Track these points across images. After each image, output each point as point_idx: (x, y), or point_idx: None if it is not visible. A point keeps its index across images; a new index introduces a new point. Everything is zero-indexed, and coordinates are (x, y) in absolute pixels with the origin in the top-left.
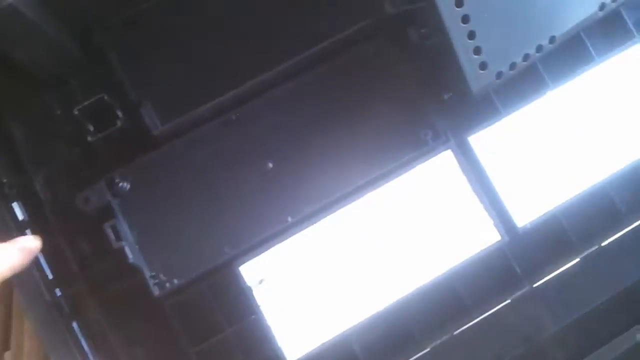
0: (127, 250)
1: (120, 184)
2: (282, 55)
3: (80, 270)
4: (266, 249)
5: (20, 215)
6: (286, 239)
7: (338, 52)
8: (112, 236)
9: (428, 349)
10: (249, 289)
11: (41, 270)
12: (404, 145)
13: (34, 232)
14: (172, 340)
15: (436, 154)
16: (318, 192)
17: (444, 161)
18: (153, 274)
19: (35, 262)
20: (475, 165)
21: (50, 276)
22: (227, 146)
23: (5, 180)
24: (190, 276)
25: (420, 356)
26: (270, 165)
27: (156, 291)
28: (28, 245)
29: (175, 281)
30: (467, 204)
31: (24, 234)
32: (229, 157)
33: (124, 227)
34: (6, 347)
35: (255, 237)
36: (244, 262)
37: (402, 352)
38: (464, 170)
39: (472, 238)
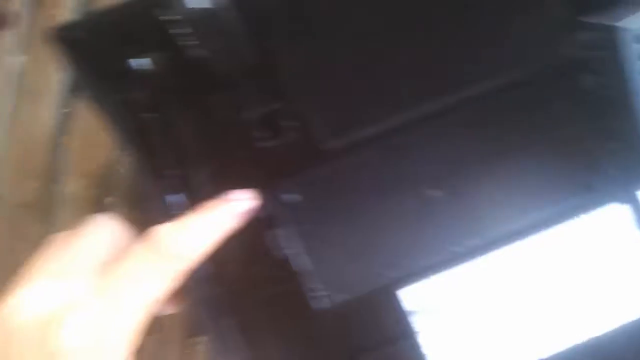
0: (294, 258)
1: (288, 195)
2: (455, 84)
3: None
4: (428, 276)
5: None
6: (449, 269)
7: (513, 87)
8: (276, 244)
9: None
10: (408, 313)
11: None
12: (571, 190)
13: None
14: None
15: (605, 204)
16: (482, 226)
17: (616, 213)
18: (314, 287)
19: None
20: None
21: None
22: (393, 169)
23: (169, 172)
24: (349, 294)
25: None
26: (436, 192)
27: (315, 305)
28: (241, 206)
29: (335, 297)
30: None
31: None
32: (394, 180)
33: (289, 237)
34: None
35: (417, 263)
36: (403, 287)
37: None
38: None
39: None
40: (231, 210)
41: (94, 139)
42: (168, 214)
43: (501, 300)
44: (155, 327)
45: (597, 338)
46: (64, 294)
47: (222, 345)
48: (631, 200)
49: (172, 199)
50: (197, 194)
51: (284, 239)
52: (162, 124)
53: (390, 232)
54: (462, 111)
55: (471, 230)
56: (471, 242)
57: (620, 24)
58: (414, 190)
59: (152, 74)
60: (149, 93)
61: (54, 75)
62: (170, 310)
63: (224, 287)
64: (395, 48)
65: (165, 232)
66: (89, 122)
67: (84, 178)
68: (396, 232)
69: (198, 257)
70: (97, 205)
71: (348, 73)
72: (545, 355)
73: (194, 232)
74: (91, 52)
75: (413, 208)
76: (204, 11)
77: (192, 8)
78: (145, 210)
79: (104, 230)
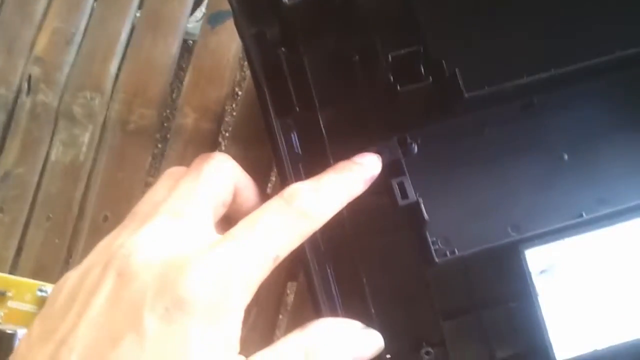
0: (422, 207)
1: (411, 144)
2: (601, 48)
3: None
4: (555, 240)
5: (296, 148)
6: (577, 234)
7: None
8: (398, 193)
9: None
10: (530, 274)
11: None
12: None
13: (306, 167)
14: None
15: None
16: (615, 195)
17: None
18: (433, 239)
19: None
20: None
21: None
22: (523, 129)
23: (297, 109)
24: (470, 249)
25: None
26: (566, 157)
27: (437, 258)
28: (371, 171)
29: (456, 251)
30: None
31: (297, 168)
32: (524, 140)
33: (410, 187)
34: None
35: (543, 225)
36: (529, 247)
37: None
38: None
39: None
40: (363, 175)
41: (213, 74)
42: (284, 156)
43: (623, 274)
44: None
45: None
46: (187, 235)
47: (325, 291)
48: None
49: (291, 140)
50: (317, 136)
51: (407, 187)
52: (295, 61)
53: (514, 191)
54: (603, 78)
55: (603, 197)
56: (596, 210)
57: None
58: (540, 152)
59: (292, 9)
60: (286, 28)
61: (179, 5)
62: None
63: (340, 233)
64: (544, 5)
65: (302, 192)
66: (210, 56)
67: (198, 111)
68: (520, 193)
69: (327, 219)
70: (209, 140)
71: (493, 25)
72: None
73: (328, 194)
74: None
75: (539, 170)
76: None
77: None
78: (259, 150)
79: (225, 170)
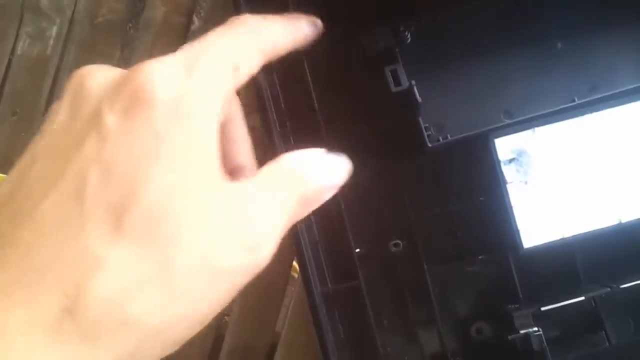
0: (415, 90)
1: (405, 33)
2: None
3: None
4: (526, 129)
5: None
6: (568, 119)
7: None
8: (391, 80)
9: None
10: (499, 162)
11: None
12: None
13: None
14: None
15: None
16: (607, 83)
17: None
18: (426, 125)
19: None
20: None
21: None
22: (518, 18)
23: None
24: (461, 134)
25: None
26: (560, 45)
27: (429, 143)
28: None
29: (449, 136)
30: None
31: None
32: (518, 29)
33: (403, 74)
34: None
35: (535, 111)
36: (499, 136)
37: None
38: None
39: None
40: (307, 20)
41: None
42: None
43: (593, 160)
44: None
45: None
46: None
47: None
48: None
49: None
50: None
51: (400, 74)
52: None
53: (506, 79)
54: None
55: (595, 83)
56: (588, 96)
57: None
58: (534, 41)
59: None
60: None
61: None
62: None
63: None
64: None
65: (252, 17)
66: None
67: (168, 4)
68: (513, 80)
69: (275, 51)
70: (179, 33)
71: None
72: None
73: (277, 23)
74: None
75: (532, 57)
76: None
77: None
78: None
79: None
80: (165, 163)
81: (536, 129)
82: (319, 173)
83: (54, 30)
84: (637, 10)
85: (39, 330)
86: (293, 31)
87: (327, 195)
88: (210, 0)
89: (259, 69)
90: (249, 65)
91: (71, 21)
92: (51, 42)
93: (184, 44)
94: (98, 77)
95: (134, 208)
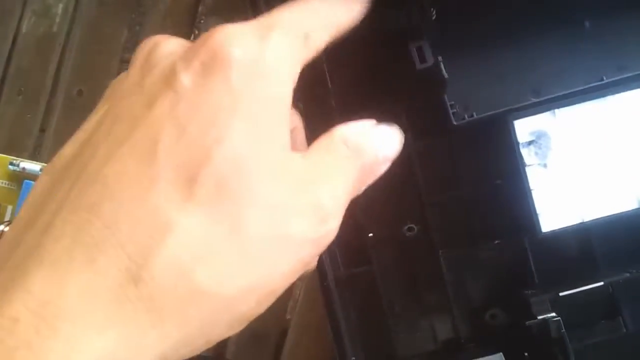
0: (442, 66)
1: (430, 9)
2: None
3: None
4: (546, 110)
5: None
6: (589, 100)
7: None
8: (416, 57)
9: None
10: (518, 144)
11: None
12: None
13: None
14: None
15: None
16: (635, 60)
17: None
18: (452, 102)
19: None
20: None
21: None
22: None
23: None
24: (487, 112)
25: None
26: (588, 24)
27: (455, 121)
28: None
29: (475, 114)
30: None
31: None
32: (546, 7)
33: (429, 51)
34: None
35: (562, 89)
36: (518, 118)
37: None
38: None
39: None
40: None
41: None
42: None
43: (613, 144)
44: None
45: None
46: None
47: None
48: None
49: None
50: None
51: (425, 51)
52: None
53: (535, 57)
54: None
55: (625, 63)
56: (617, 76)
57: None
58: (562, 20)
59: None
60: None
61: None
62: None
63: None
64: None
65: None
66: None
67: None
68: (542, 58)
69: (339, 29)
70: (188, 12)
71: None
72: None
73: (340, 3)
74: None
75: (561, 37)
76: None
77: None
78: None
79: None
80: (241, 122)
81: (556, 111)
82: (374, 144)
83: (59, 8)
84: None
85: (100, 297)
86: (355, 9)
87: (384, 167)
88: None
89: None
90: (319, 38)
91: (77, 0)
92: (57, 19)
93: (193, 24)
94: (171, 42)
95: (207, 169)
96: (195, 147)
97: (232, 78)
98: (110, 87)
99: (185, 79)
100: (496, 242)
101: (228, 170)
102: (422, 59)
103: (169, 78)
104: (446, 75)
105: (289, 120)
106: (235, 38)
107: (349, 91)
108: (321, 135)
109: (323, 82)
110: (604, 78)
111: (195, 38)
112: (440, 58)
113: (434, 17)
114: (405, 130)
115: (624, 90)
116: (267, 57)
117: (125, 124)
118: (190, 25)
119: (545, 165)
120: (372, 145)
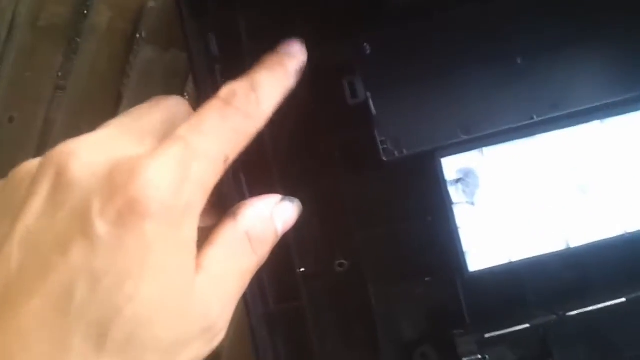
0: (371, 103)
1: (364, 45)
2: None
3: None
4: (475, 148)
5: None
6: (527, 137)
7: None
8: (348, 92)
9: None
10: (445, 182)
11: None
12: None
13: (224, 70)
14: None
15: None
16: (566, 98)
17: None
18: (382, 138)
19: None
20: None
21: None
22: (477, 32)
23: (212, 9)
24: (417, 149)
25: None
26: (520, 60)
27: (385, 157)
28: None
29: (405, 151)
30: None
31: (212, 70)
32: (478, 43)
33: (361, 86)
34: None
35: (493, 127)
36: (446, 155)
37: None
38: None
39: None
40: (294, 66)
41: None
42: (206, 55)
43: (541, 183)
44: None
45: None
46: (134, 143)
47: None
48: None
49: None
50: (235, 37)
51: (357, 86)
52: None
53: (465, 93)
54: None
55: (555, 101)
56: (556, 112)
57: None
58: (493, 56)
59: None
60: None
61: None
62: None
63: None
64: None
65: (240, 91)
66: None
67: (114, 9)
68: (472, 95)
69: (268, 117)
70: (124, 41)
71: None
72: (575, 245)
73: (265, 92)
74: None
75: (491, 73)
76: None
77: None
78: (177, 50)
79: (179, 109)
80: (152, 276)
81: (484, 149)
82: (276, 229)
83: None
84: (598, 28)
85: None
86: (284, 86)
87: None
88: (156, 8)
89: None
90: (238, 152)
91: (11, 24)
92: None
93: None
94: (83, 163)
95: (117, 323)
96: (108, 302)
97: (146, 232)
98: (18, 203)
99: (101, 228)
100: (427, 279)
101: (137, 324)
102: (354, 94)
103: (84, 223)
104: (374, 112)
105: (195, 249)
106: (155, 185)
107: (283, 123)
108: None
109: None
110: (535, 117)
111: (130, 68)
112: (369, 94)
113: (367, 53)
114: (337, 164)
115: (554, 129)
116: (185, 200)
117: (40, 262)
118: (126, 53)
119: (472, 204)
120: (274, 232)
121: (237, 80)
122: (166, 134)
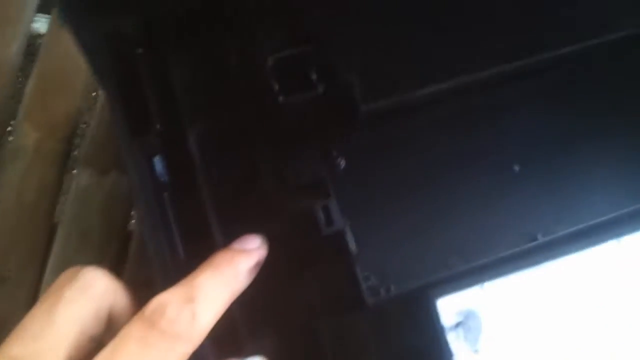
0: (349, 236)
1: (337, 159)
2: (539, 43)
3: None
4: (475, 284)
5: (161, 174)
6: (520, 269)
7: (608, 52)
8: (322, 219)
9: None
10: (442, 329)
11: (173, 244)
12: None
13: (173, 198)
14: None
15: None
16: (574, 211)
17: None
18: (365, 274)
19: (168, 233)
20: None
21: (182, 255)
22: (465, 137)
23: (157, 126)
24: (408, 285)
25: None
26: (517, 168)
27: (368, 297)
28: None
29: (392, 288)
30: None
31: (161, 197)
32: (467, 150)
33: (337, 211)
34: None
35: (492, 251)
36: (442, 295)
37: None
38: None
39: None
40: (247, 265)
41: (62, 82)
42: (147, 180)
43: (559, 321)
44: None
45: None
46: None
47: None
48: None
49: (154, 161)
50: (185, 158)
51: (333, 211)
52: (154, 65)
53: (457, 212)
54: (552, 75)
55: (556, 217)
56: (554, 231)
57: None
58: (486, 164)
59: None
60: (141, 25)
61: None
62: None
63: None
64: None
65: (170, 307)
66: (59, 61)
67: (42, 129)
68: (464, 213)
69: (206, 332)
70: (56, 164)
71: (404, 25)
72: None
73: (205, 302)
74: None
75: (486, 185)
76: None
77: None
78: (119, 173)
79: (92, 296)
80: None
81: (486, 284)
82: None
83: None
84: (604, 128)
85: None
86: (231, 290)
87: None
88: (92, 126)
89: None
90: None
91: None
92: None
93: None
94: None
95: None
96: None
97: None
98: None
99: None
100: None
101: None
102: (329, 222)
103: None
104: (354, 249)
105: None
106: None
107: None
108: None
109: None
110: (539, 236)
111: (65, 197)
112: (347, 227)
113: (342, 167)
114: (314, 305)
115: (562, 254)
116: None
117: None
118: (58, 179)
119: (476, 351)
120: None
121: (172, 288)
122: (79, 345)
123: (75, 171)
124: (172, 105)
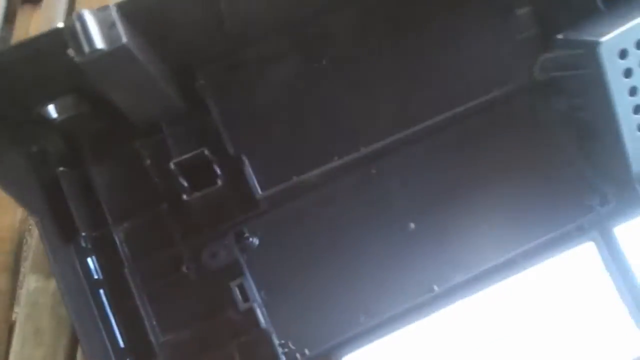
0: (259, 312)
1: (250, 238)
2: (424, 112)
3: (157, 342)
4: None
5: (95, 273)
6: (427, 315)
7: (484, 112)
8: (239, 297)
9: None
10: None
11: (112, 335)
12: (568, 211)
13: (108, 293)
14: None
15: (577, 245)
16: (466, 260)
17: (586, 253)
18: (282, 341)
19: (107, 325)
20: (620, 260)
21: (122, 344)
22: (363, 204)
23: (83, 233)
24: (322, 347)
25: None
26: (413, 226)
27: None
28: None
29: (307, 352)
30: (609, 306)
31: (97, 294)
32: (365, 215)
33: (252, 287)
34: None
35: (396, 305)
36: (352, 350)
37: None
38: (607, 266)
39: (614, 346)
40: None
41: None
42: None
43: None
44: None
45: None
46: None
47: None
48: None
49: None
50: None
51: (247, 288)
52: (76, 179)
53: (362, 272)
54: (435, 138)
55: (455, 263)
56: (451, 278)
57: (602, 39)
58: (385, 225)
59: (64, 122)
60: (61, 143)
61: None
62: None
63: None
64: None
65: None
66: None
67: None
68: (369, 272)
69: None
70: (6, 272)
71: (284, 115)
72: None
73: None
74: None
75: (386, 244)
76: (117, 50)
77: (103, 49)
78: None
79: None
80: None
81: (389, 336)
82: None
83: None
84: (489, 184)
85: None
86: None
87: None
88: (35, 237)
89: None
90: None
91: None
92: None
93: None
94: None
95: None
96: None
97: None
98: None
99: None
100: None
101: None
102: (245, 298)
103: None
104: (264, 324)
105: None
106: None
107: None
108: None
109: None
110: (435, 287)
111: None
112: (258, 299)
113: (256, 245)
114: None
115: (457, 300)
116: None
117: None
118: (12, 285)
119: None
120: None
121: None
122: None
123: (22, 277)
124: (98, 210)
